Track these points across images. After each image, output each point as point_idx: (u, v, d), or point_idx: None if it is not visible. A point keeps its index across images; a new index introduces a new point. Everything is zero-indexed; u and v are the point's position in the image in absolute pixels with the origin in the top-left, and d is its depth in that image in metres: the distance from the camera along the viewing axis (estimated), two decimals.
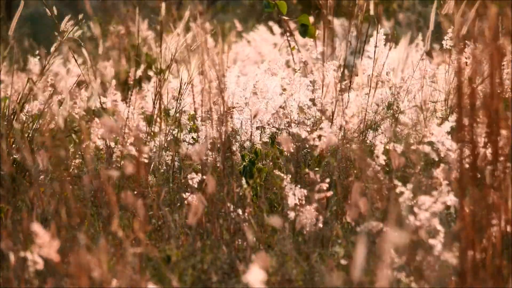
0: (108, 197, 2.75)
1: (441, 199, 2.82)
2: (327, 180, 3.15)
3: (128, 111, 4.03)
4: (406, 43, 6.42)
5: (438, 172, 3.01)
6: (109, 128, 2.84)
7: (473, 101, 2.54)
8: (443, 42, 4.32)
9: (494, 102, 2.51)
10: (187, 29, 4.62)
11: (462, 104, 2.50)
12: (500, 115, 2.55)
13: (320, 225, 3.18)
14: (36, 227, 2.56)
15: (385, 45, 4.36)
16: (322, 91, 4.06)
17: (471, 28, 3.97)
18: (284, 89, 4.24)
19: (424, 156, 3.27)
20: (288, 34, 5.17)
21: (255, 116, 3.95)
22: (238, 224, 3.21)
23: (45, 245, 2.57)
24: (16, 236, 3.03)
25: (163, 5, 3.99)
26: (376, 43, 4.33)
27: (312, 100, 4.15)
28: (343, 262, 2.93)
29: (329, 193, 3.15)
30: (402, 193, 2.87)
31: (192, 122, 4.31)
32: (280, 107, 4.17)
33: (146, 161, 3.59)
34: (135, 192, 3.11)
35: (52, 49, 4.29)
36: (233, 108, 4.18)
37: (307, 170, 3.25)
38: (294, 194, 3.17)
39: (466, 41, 3.93)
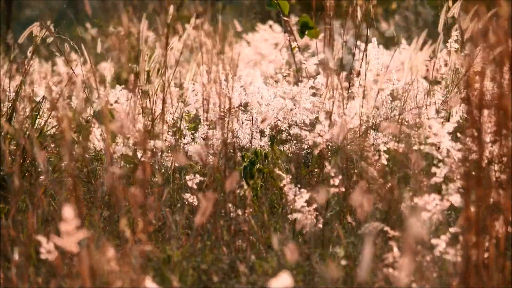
0: (118, 195, 2.73)
1: (445, 198, 2.83)
2: (340, 176, 3.14)
3: (129, 112, 4.02)
4: (406, 44, 6.42)
5: (439, 173, 3.00)
6: (120, 125, 2.79)
7: (482, 99, 2.53)
8: (447, 44, 4.28)
9: (503, 101, 2.51)
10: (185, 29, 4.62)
11: (471, 99, 2.49)
12: (508, 115, 2.54)
13: (320, 225, 3.18)
14: (67, 211, 2.32)
15: (383, 47, 4.35)
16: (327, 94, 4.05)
17: (479, 28, 3.94)
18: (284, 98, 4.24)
19: (425, 157, 3.27)
20: (289, 34, 5.16)
21: (263, 121, 3.93)
22: (238, 224, 3.21)
23: (67, 234, 2.34)
24: (17, 236, 3.02)
25: (171, 7, 3.98)
26: (366, 46, 4.31)
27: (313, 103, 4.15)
28: (343, 262, 2.92)
29: (342, 189, 3.12)
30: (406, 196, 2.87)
31: (190, 123, 4.30)
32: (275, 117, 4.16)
33: (151, 162, 3.59)
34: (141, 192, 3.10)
35: (29, 54, 4.28)
36: (235, 109, 4.17)
37: (326, 163, 3.21)
38: (295, 195, 3.16)
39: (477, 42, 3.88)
